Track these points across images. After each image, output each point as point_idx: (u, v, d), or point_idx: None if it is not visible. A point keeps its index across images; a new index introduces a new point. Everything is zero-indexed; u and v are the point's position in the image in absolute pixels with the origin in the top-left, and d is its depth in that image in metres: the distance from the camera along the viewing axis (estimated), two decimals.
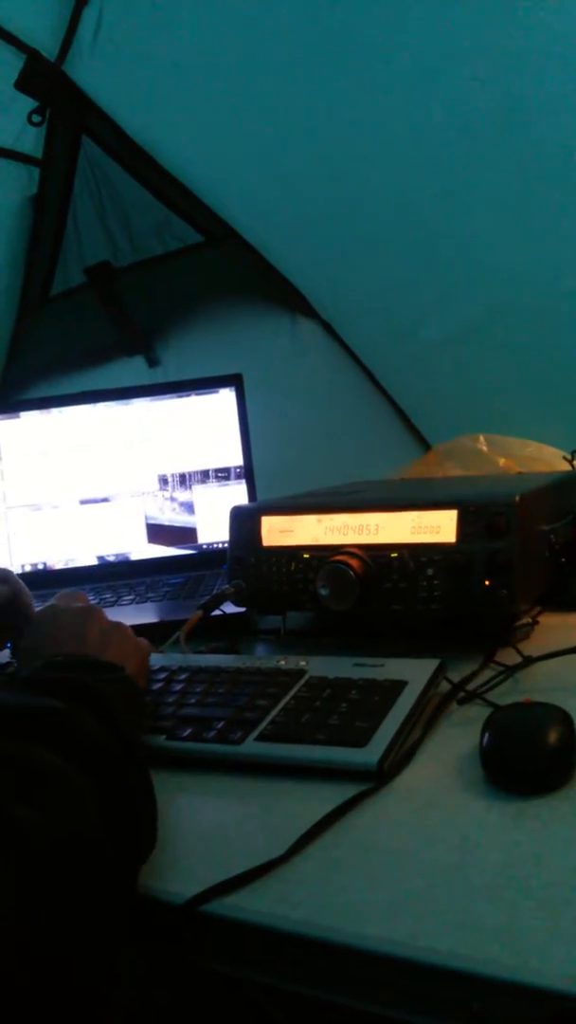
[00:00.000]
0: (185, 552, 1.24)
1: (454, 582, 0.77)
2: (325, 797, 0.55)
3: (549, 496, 0.88)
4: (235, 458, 1.24)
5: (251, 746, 0.62)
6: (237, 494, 1.24)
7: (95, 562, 1.24)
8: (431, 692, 0.67)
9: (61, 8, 1.55)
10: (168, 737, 0.64)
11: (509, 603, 0.76)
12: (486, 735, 0.57)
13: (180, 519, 1.24)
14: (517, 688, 0.70)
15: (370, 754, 0.58)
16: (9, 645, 0.77)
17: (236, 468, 1.24)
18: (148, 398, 1.25)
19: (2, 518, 1.24)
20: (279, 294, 1.74)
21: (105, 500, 1.25)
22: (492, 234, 1.44)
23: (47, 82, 1.63)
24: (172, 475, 1.25)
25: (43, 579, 1.21)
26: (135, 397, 1.25)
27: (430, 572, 0.78)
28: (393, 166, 1.45)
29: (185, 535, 1.24)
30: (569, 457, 1.17)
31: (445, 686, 0.70)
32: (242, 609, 0.91)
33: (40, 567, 1.24)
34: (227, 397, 1.24)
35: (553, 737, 0.54)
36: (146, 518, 1.25)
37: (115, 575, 1.21)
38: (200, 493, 1.24)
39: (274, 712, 0.65)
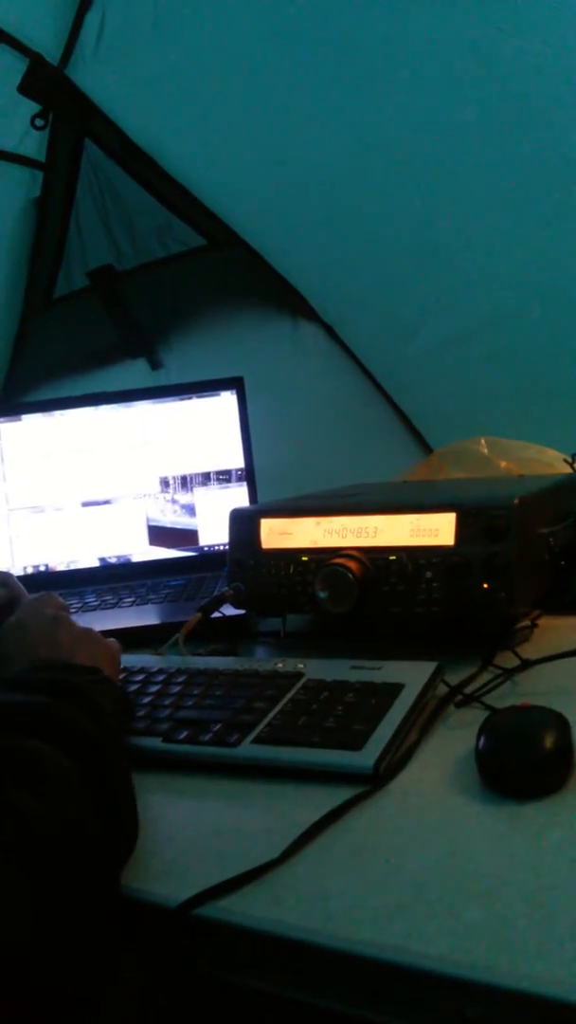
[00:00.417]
0: (186, 554, 1.24)
1: (453, 585, 0.76)
2: (321, 800, 0.55)
3: (549, 499, 0.88)
4: (236, 461, 1.24)
5: (247, 749, 0.61)
6: (238, 496, 1.24)
7: (97, 564, 1.24)
8: (428, 695, 0.67)
9: (64, 13, 1.56)
10: (164, 739, 0.64)
11: (508, 606, 0.75)
12: (482, 739, 0.56)
13: (181, 521, 1.24)
14: (516, 691, 0.70)
15: (366, 757, 0.58)
16: None
17: (237, 471, 1.24)
18: (150, 401, 1.25)
19: (4, 520, 1.24)
20: (281, 297, 1.74)
21: (107, 502, 1.25)
22: (494, 238, 1.44)
23: (50, 86, 1.64)
24: (173, 477, 1.25)
25: (45, 581, 1.21)
26: (137, 400, 1.25)
27: (429, 575, 0.78)
28: (395, 170, 1.45)
29: (186, 537, 1.24)
30: (570, 460, 1.16)
31: (443, 689, 0.70)
32: (241, 611, 0.91)
33: (42, 569, 1.24)
34: (228, 400, 1.25)
35: (549, 741, 0.54)
36: (147, 520, 1.25)
37: (116, 577, 1.21)
38: (201, 495, 1.24)
39: (271, 715, 0.65)
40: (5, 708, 0.52)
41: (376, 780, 0.57)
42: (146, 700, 0.71)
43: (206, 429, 1.25)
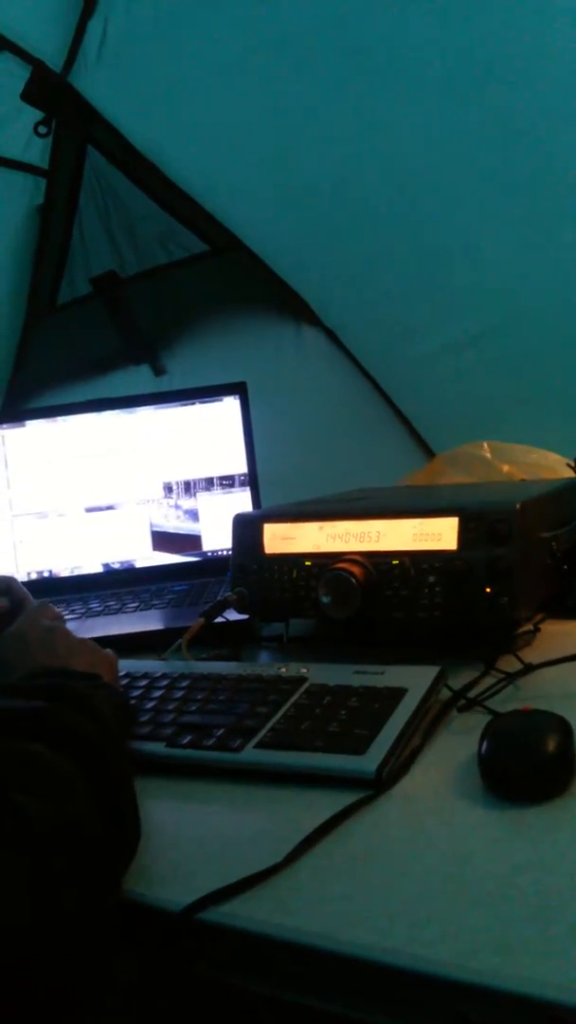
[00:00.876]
0: (190, 559, 1.24)
1: (455, 589, 0.77)
2: (323, 805, 0.55)
3: (551, 503, 0.88)
4: (239, 466, 1.25)
5: (250, 753, 0.62)
6: (241, 501, 1.24)
7: (100, 570, 1.24)
8: (431, 699, 0.67)
9: (66, 20, 1.57)
10: (168, 744, 0.65)
11: (510, 610, 0.76)
12: (484, 743, 0.57)
13: (185, 527, 1.25)
14: (518, 695, 0.70)
15: (369, 762, 0.58)
16: None
17: (240, 476, 1.25)
18: (153, 407, 1.26)
19: (8, 526, 1.24)
20: (283, 302, 1.74)
21: (110, 508, 1.25)
22: (496, 243, 1.45)
23: (53, 93, 1.65)
24: (177, 483, 1.25)
25: (49, 586, 1.21)
26: (140, 406, 1.26)
27: (431, 579, 0.78)
28: (397, 177, 1.46)
29: (190, 542, 1.24)
30: (573, 464, 1.16)
31: (446, 693, 0.70)
32: (244, 616, 0.91)
33: (46, 575, 1.24)
34: (231, 405, 1.25)
35: (551, 745, 0.54)
36: (151, 526, 1.25)
37: (120, 582, 1.22)
38: (204, 501, 1.25)
39: (274, 719, 0.65)
40: (6, 713, 0.52)
41: (379, 784, 0.57)
42: (150, 705, 0.71)
43: (209, 434, 1.25)
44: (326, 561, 0.82)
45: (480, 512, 0.77)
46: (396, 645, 0.82)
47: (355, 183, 1.50)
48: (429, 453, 1.66)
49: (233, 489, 1.25)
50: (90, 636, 0.75)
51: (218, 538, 1.24)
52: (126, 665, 0.77)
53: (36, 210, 1.85)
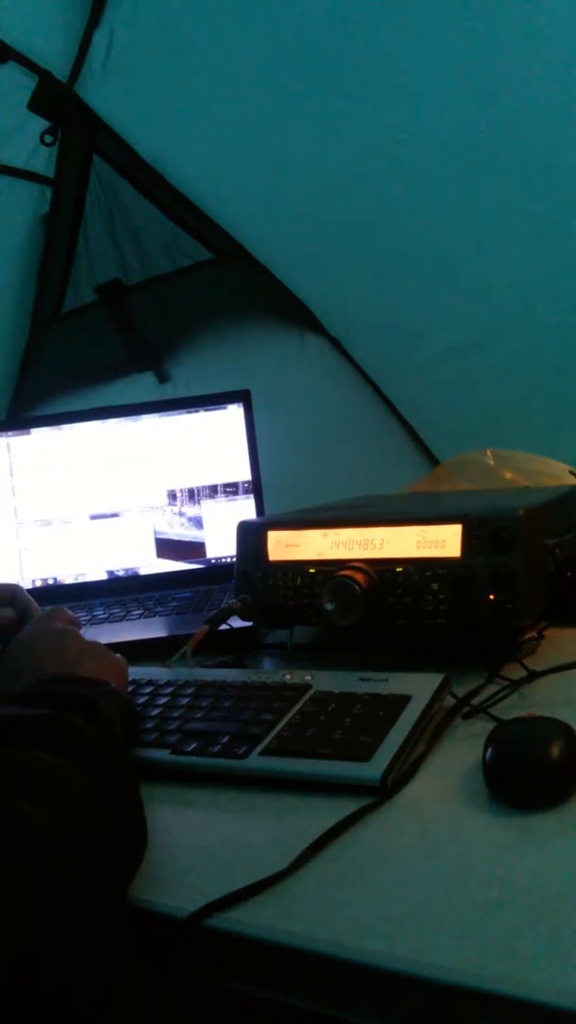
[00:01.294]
0: (194, 566, 1.24)
1: (459, 596, 0.77)
2: (329, 811, 0.55)
3: (554, 510, 0.88)
4: (243, 473, 1.25)
5: (255, 760, 0.62)
6: (245, 509, 1.24)
7: (105, 577, 1.25)
8: (435, 707, 0.67)
9: (73, 30, 1.57)
10: (173, 752, 0.65)
11: (514, 617, 0.76)
12: (489, 750, 0.57)
13: (189, 534, 1.25)
14: (522, 702, 0.70)
15: (373, 768, 0.58)
16: None
17: (244, 483, 1.25)
18: (157, 414, 1.26)
19: (13, 533, 1.25)
20: (287, 310, 1.75)
21: (115, 515, 1.26)
22: (499, 248, 1.45)
23: (59, 103, 1.66)
24: (181, 490, 1.26)
25: (53, 594, 1.22)
26: (144, 413, 1.26)
27: (435, 586, 0.78)
28: (399, 183, 1.46)
29: (194, 550, 1.25)
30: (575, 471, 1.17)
31: (450, 700, 0.70)
32: (249, 623, 0.92)
33: (51, 582, 1.24)
34: (235, 413, 1.25)
35: (555, 752, 0.54)
36: (155, 533, 1.25)
37: (124, 589, 1.22)
38: (208, 508, 1.25)
39: (279, 727, 0.65)
40: (13, 721, 0.52)
41: (384, 791, 0.57)
42: (155, 712, 0.71)
43: (213, 442, 1.26)
44: (330, 568, 0.82)
45: (484, 519, 0.77)
46: (400, 652, 0.82)
47: (359, 191, 1.51)
48: (433, 460, 1.66)
49: (237, 496, 1.25)
50: None
51: (222, 545, 1.24)
52: (131, 672, 0.77)
53: (42, 219, 1.85)
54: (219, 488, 1.25)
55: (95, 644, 0.71)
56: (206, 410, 1.26)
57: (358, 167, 1.49)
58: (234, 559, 0.91)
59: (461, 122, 1.35)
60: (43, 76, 1.62)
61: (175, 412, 1.26)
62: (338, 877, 0.49)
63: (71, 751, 0.50)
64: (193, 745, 0.65)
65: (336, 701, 0.68)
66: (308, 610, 0.84)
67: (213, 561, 1.24)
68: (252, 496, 1.25)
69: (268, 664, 0.91)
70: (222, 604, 0.98)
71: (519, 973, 0.40)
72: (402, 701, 0.66)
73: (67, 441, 1.26)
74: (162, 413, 1.26)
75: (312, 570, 0.84)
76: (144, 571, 1.25)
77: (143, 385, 1.93)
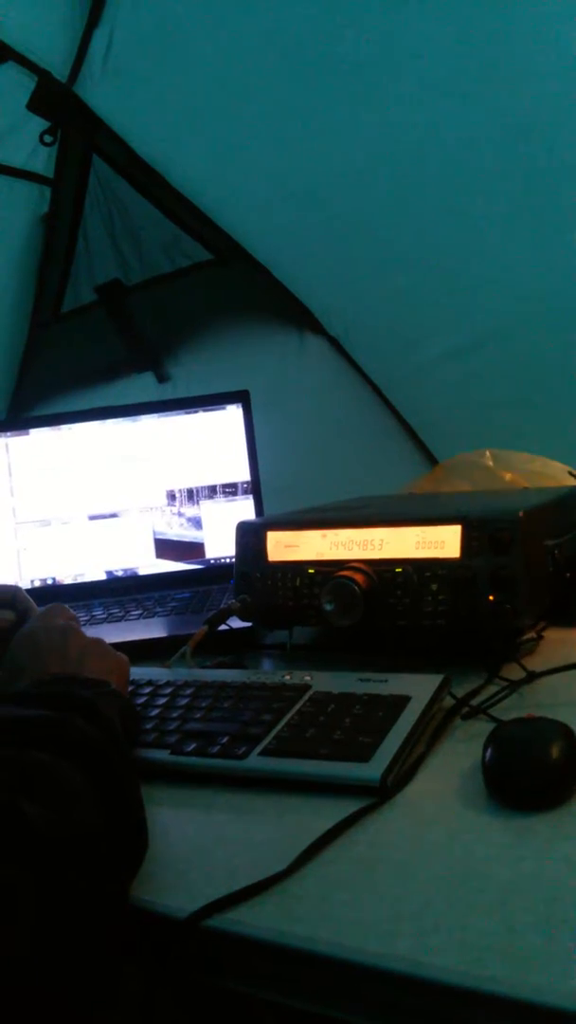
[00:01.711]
0: (193, 567, 1.24)
1: (458, 597, 0.77)
2: (328, 812, 0.55)
3: (554, 511, 0.88)
4: (242, 474, 1.25)
5: (255, 761, 0.62)
6: (244, 509, 1.24)
7: (104, 577, 1.25)
8: (435, 707, 0.67)
9: (72, 30, 1.57)
10: (172, 752, 0.65)
11: (513, 618, 0.76)
12: (488, 750, 0.57)
13: (188, 534, 1.25)
14: (522, 703, 0.70)
15: (373, 769, 0.58)
16: None
17: (243, 483, 1.25)
18: (156, 415, 1.26)
19: (12, 534, 1.25)
20: (287, 311, 1.75)
21: (114, 516, 1.26)
22: (498, 249, 1.45)
23: (58, 103, 1.66)
24: (180, 491, 1.26)
25: (52, 594, 1.21)
26: (143, 414, 1.26)
27: (434, 587, 0.78)
28: (399, 184, 1.46)
29: (193, 550, 1.25)
30: (575, 472, 1.17)
31: (449, 701, 0.70)
32: (248, 624, 0.92)
33: (49, 582, 1.24)
34: (234, 413, 1.25)
35: (555, 752, 0.54)
36: (154, 533, 1.25)
37: (123, 590, 1.22)
38: (208, 508, 1.25)
39: (278, 727, 0.65)
40: (14, 722, 0.52)
41: (383, 792, 0.57)
42: (154, 713, 0.71)
43: (212, 442, 1.26)
44: (329, 569, 0.82)
45: (483, 520, 0.77)
46: (399, 653, 0.82)
47: (359, 191, 1.51)
48: (432, 461, 1.67)
49: (236, 497, 1.25)
50: None
51: (221, 546, 1.24)
52: (130, 672, 0.77)
53: (41, 219, 1.86)
54: (218, 488, 1.25)
55: (97, 641, 0.71)
56: (205, 410, 1.26)
57: (358, 167, 1.49)
58: (233, 559, 0.91)
59: (462, 123, 1.35)
60: (42, 76, 1.62)
61: (174, 412, 1.26)
62: (338, 877, 0.49)
63: (72, 752, 0.50)
64: (192, 745, 0.65)
65: (336, 702, 0.68)
66: (307, 611, 0.84)
67: (212, 561, 1.24)
68: (251, 496, 1.25)
69: (267, 664, 0.91)
70: (221, 604, 0.97)
71: (519, 973, 0.40)
72: (402, 701, 0.66)
73: (66, 441, 1.26)
74: (161, 413, 1.26)
75: (311, 571, 0.84)
76: (143, 571, 1.25)
77: (142, 385, 1.93)
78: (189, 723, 0.68)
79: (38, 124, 1.70)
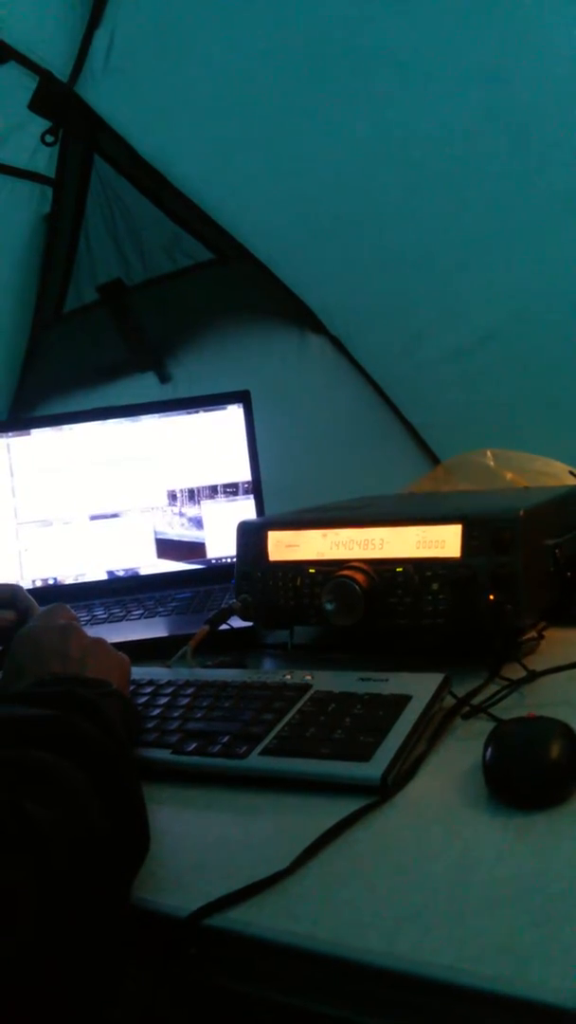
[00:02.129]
0: (194, 567, 1.24)
1: (459, 596, 0.77)
2: (329, 811, 0.55)
3: (554, 510, 0.88)
4: (243, 473, 1.25)
5: (256, 760, 0.62)
6: (245, 509, 1.24)
7: (105, 577, 1.25)
8: (436, 707, 0.68)
9: (73, 30, 1.57)
10: (173, 751, 0.65)
11: (514, 617, 0.76)
12: (489, 749, 0.57)
13: (189, 534, 1.25)
14: (522, 702, 0.70)
15: (374, 768, 0.58)
16: None
17: (244, 483, 1.25)
18: (157, 415, 1.26)
19: (13, 534, 1.25)
20: (288, 310, 1.75)
21: (115, 516, 1.26)
22: (499, 248, 1.45)
23: (60, 103, 1.66)
24: (181, 491, 1.26)
25: (54, 594, 1.22)
26: (144, 414, 1.26)
27: (435, 587, 0.78)
28: (400, 182, 1.46)
29: (194, 550, 1.25)
30: (575, 471, 1.17)
31: (450, 700, 0.70)
32: (249, 623, 0.92)
33: (51, 582, 1.24)
34: (235, 413, 1.25)
35: (556, 752, 0.54)
36: (155, 533, 1.26)
37: (125, 590, 1.22)
38: (209, 508, 1.25)
39: (279, 726, 0.65)
40: (16, 721, 0.52)
41: (384, 791, 0.57)
42: (155, 712, 0.71)
43: (213, 442, 1.26)
44: (330, 568, 0.82)
45: (484, 519, 0.77)
46: (400, 652, 0.82)
47: (361, 190, 1.51)
48: (433, 460, 1.66)
49: (237, 497, 1.25)
50: None
51: (222, 546, 1.24)
52: (131, 672, 0.77)
53: (43, 219, 1.86)
54: (219, 488, 1.25)
55: (99, 641, 0.71)
56: (206, 410, 1.26)
57: (359, 166, 1.49)
58: (234, 559, 0.91)
59: (462, 122, 1.35)
60: (44, 76, 1.62)
61: (175, 412, 1.26)
62: (338, 877, 0.49)
63: (74, 752, 0.50)
64: (193, 745, 0.65)
65: (336, 701, 0.68)
66: (308, 610, 0.84)
67: (213, 561, 1.24)
68: (252, 496, 1.25)
69: (268, 664, 0.91)
70: (222, 604, 0.98)
71: (519, 973, 0.40)
72: (402, 701, 0.66)
73: (67, 441, 1.26)
74: (162, 413, 1.26)
75: (312, 570, 0.84)
76: (144, 571, 1.25)
77: (144, 385, 1.93)
78: (190, 723, 0.68)
79: (39, 124, 1.70)
